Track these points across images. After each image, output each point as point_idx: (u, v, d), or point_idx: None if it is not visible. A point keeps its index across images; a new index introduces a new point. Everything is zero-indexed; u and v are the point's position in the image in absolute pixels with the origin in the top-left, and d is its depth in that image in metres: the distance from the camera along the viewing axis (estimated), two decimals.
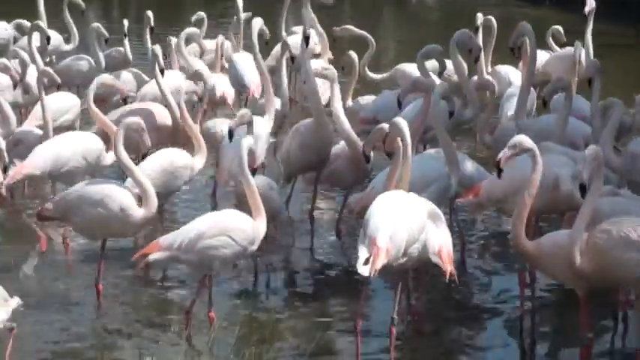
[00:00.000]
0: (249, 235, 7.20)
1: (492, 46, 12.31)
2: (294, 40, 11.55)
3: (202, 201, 10.29)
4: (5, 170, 8.53)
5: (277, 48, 12.05)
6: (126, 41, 13.32)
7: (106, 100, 11.39)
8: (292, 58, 10.44)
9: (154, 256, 7.14)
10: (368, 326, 7.45)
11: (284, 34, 13.18)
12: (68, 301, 8.06)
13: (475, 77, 11.17)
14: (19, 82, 10.71)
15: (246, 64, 11.73)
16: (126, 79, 11.72)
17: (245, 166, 7.37)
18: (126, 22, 13.27)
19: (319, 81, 9.41)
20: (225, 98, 11.91)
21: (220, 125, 9.95)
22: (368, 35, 12.50)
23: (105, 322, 7.70)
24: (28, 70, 11.03)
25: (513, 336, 7.70)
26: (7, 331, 6.55)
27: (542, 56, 12.33)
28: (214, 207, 9.87)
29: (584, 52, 12.22)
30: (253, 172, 7.70)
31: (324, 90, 10.06)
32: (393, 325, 6.82)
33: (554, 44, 13.11)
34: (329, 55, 13.03)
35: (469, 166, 8.72)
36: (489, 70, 12.00)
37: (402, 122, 7.35)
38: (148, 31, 13.04)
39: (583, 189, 6.53)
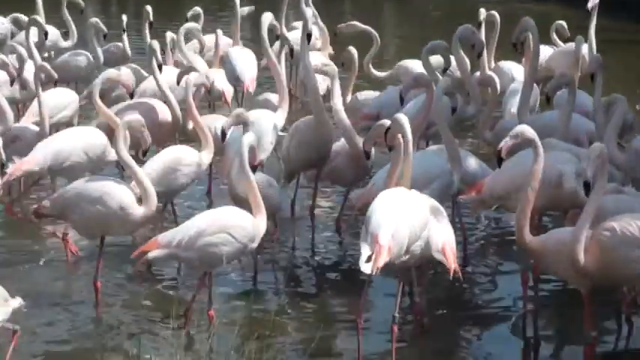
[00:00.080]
0: (249, 233, 7.20)
1: (495, 41, 12.30)
2: (295, 36, 11.54)
3: (197, 199, 10.27)
4: (3, 167, 8.52)
5: (277, 44, 12.05)
6: (124, 36, 13.33)
7: (105, 95, 11.38)
8: (291, 52, 10.44)
9: (153, 254, 7.14)
10: (369, 324, 7.44)
11: (284, 29, 13.17)
12: (67, 299, 8.07)
13: (477, 73, 11.17)
14: (16, 78, 10.71)
15: (241, 58, 11.78)
16: (124, 74, 11.72)
17: (246, 162, 7.37)
18: (124, 18, 13.28)
19: (318, 76, 9.41)
20: (224, 95, 11.92)
21: (213, 122, 9.96)
22: (372, 31, 12.48)
23: (103, 320, 7.71)
24: (26, 65, 11.03)
25: (516, 335, 7.70)
26: (10, 333, 6.54)
27: (546, 51, 12.33)
28: (209, 205, 9.86)
29: (586, 48, 12.22)
30: (254, 169, 7.68)
31: (321, 83, 10.07)
32: (395, 324, 6.82)
33: (557, 39, 13.11)
34: (330, 50, 13.03)
35: (472, 162, 8.72)
36: (492, 65, 11.99)
37: (402, 118, 7.34)
38: (146, 26, 13.04)
39: (587, 187, 6.54)
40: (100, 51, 12.63)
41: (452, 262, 7.05)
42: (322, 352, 7.21)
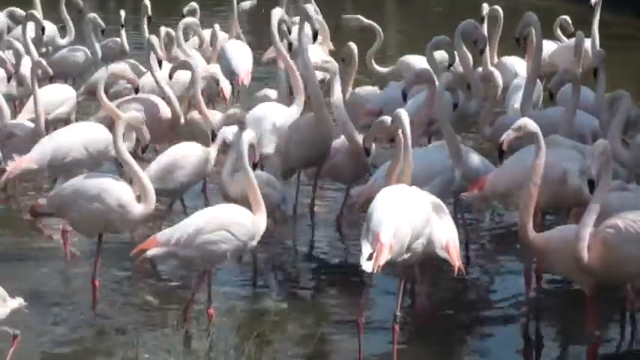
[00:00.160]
0: (249, 230, 7.20)
1: (498, 36, 12.29)
2: (295, 31, 11.56)
3: (192, 198, 10.22)
4: None
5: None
6: (122, 32, 13.33)
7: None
8: (290, 46, 10.45)
9: (151, 252, 7.13)
10: (370, 323, 7.44)
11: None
12: (65, 297, 8.06)
13: (480, 69, 11.16)
14: (13, 74, 10.72)
15: (236, 51, 11.84)
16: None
17: (245, 160, 7.37)
18: (123, 13, 13.27)
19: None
20: (222, 91, 11.94)
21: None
22: (376, 26, 12.46)
23: (102, 319, 7.70)
24: (23, 61, 11.03)
25: (519, 334, 7.69)
26: (10, 337, 6.54)
27: (549, 47, 12.32)
28: (205, 203, 9.85)
29: (589, 43, 12.21)
30: (254, 166, 7.68)
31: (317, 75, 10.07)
32: (396, 323, 6.81)
33: (561, 35, 13.10)
34: (330, 45, 13.02)
35: (474, 159, 8.71)
36: (495, 61, 11.98)
37: (402, 113, 7.35)
38: (145, 20, 13.04)
39: (591, 184, 6.53)
40: (97, 46, 12.62)
41: (456, 260, 7.06)
42: (322, 351, 7.22)
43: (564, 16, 13.17)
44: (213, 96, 12.13)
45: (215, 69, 11.64)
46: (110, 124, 9.11)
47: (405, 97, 8.80)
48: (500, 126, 9.66)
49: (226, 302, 7.90)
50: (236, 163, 8.14)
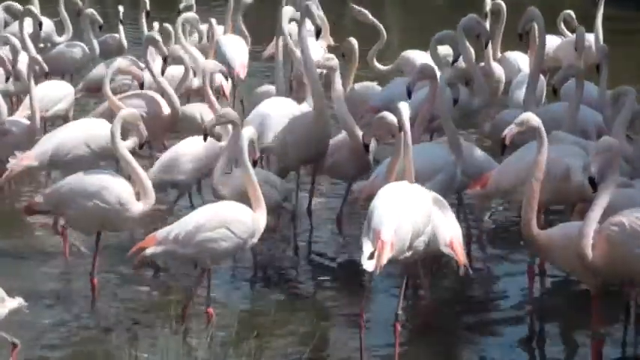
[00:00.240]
0: (249, 228, 7.19)
1: (501, 31, 12.29)
2: (294, 26, 11.58)
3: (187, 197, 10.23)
4: None
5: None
6: (120, 27, 13.33)
7: (101, 88, 11.37)
8: None
9: (150, 251, 7.13)
10: (372, 322, 7.43)
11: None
12: (63, 296, 8.06)
13: (482, 64, 11.16)
14: (11, 70, 10.72)
15: (231, 44, 11.88)
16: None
17: (245, 156, 7.37)
18: (121, 8, 13.26)
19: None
20: (222, 88, 11.96)
21: (199, 110, 9.97)
22: (381, 26, 12.43)
23: (100, 318, 7.71)
24: (19, 57, 11.03)
25: (522, 331, 7.69)
26: (9, 345, 6.53)
27: (553, 41, 12.31)
28: (192, 204, 9.82)
29: (592, 38, 12.20)
30: (254, 163, 7.69)
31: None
32: (398, 321, 6.81)
33: (565, 29, 13.09)
34: (329, 40, 13.01)
35: (477, 155, 8.72)
36: (498, 56, 11.98)
37: (403, 107, 7.35)
38: (143, 15, 13.04)
39: (592, 182, 6.53)
40: (95, 42, 12.62)
41: (461, 257, 7.06)
42: (323, 350, 7.21)
43: (568, 11, 13.16)
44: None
45: (211, 64, 11.68)
46: (111, 120, 9.13)
47: (409, 93, 8.72)
48: (499, 122, 9.67)
49: (226, 301, 7.90)
50: (229, 162, 8.16)
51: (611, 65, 9.43)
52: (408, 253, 6.66)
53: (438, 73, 9.04)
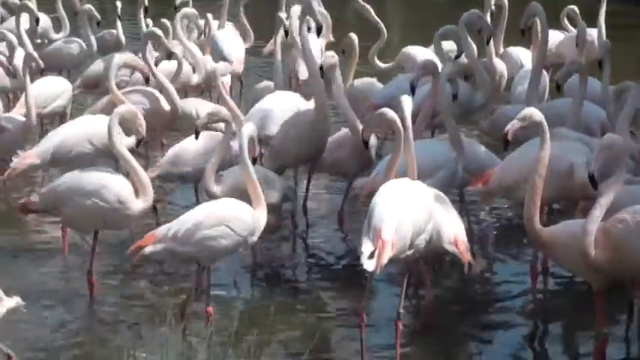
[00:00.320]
0: (249, 225, 7.19)
1: (504, 27, 12.30)
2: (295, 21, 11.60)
3: (183, 195, 10.21)
4: None
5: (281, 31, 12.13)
6: (118, 23, 13.33)
7: (100, 84, 11.40)
8: (286, 33, 10.48)
9: (149, 249, 7.12)
10: (373, 321, 7.43)
11: (283, 13, 13.19)
12: (62, 295, 8.05)
13: (484, 59, 11.16)
14: (9, 67, 10.73)
15: (226, 39, 11.92)
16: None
17: (245, 154, 7.37)
18: (119, 4, 13.27)
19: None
20: (223, 84, 11.96)
21: (195, 106, 9.98)
22: (381, 25, 12.42)
23: (98, 317, 7.72)
24: (16, 53, 11.04)
25: (525, 331, 7.68)
26: (4, 356, 6.52)
27: (556, 37, 12.32)
28: (197, 200, 9.84)
29: (595, 33, 12.20)
30: (254, 160, 7.69)
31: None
32: (399, 320, 6.80)
33: (568, 25, 13.10)
34: (330, 37, 13.01)
35: (480, 152, 8.72)
36: (501, 51, 11.98)
37: (405, 100, 7.35)
38: (142, 11, 13.05)
39: (593, 180, 6.53)
40: (93, 38, 12.62)
41: (466, 255, 7.06)
42: (323, 350, 7.21)
43: (572, 6, 13.16)
44: (209, 88, 12.18)
45: (222, 66, 11.69)
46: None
47: (413, 89, 8.67)
48: (497, 118, 9.68)
49: (225, 300, 7.91)
50: (222, 160, 8.14)
51: (613, 60, 9.43)
52: (409, 252, 6.65)
53: (440, 68, 9.05)
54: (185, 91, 11.44)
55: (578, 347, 7.47)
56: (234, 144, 8.14)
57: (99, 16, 12.92)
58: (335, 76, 9.16)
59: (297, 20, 9.98)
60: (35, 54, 10.31)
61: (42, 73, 10.45)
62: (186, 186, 9.60)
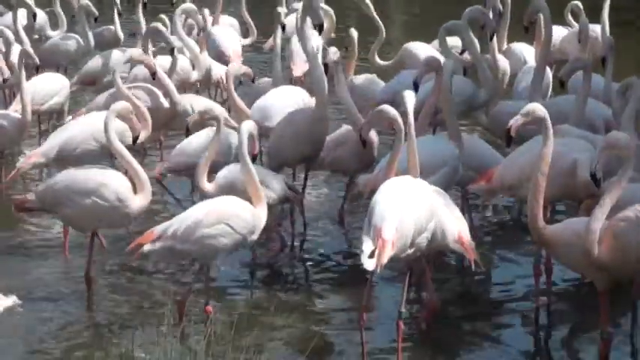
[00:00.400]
0: (249, 224, 7.19)
1: (507, 24, 12.29)
2: (294, 17, 11.64)
3: (182, 193, 10.24)
4: None
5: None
6: (117, 19, 13.34)
7: (97, 81, 11.42)
8: (283, 28, 10.48)
9: (148, 247, 7.12)
10: (374, 320, 7.44)
11: (282, 8, 13.21)
12: (59, 294, 8.04)
13: (488, 55, 11.16)
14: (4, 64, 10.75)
15: (222, 34, 11.95)
16: (117, 58, 11.72)
17: (245, 151, 7.38)
18: (117, 0, 13.29)
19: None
20: (221, 79, 12.00)
21: (190, 102, 10.00)
22: (380, 23, 12.43)
23: (96, 316, 7.72)
24: (13, 49, 11.05)
25: (528, 331, 7.69)
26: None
27: (559, 32, 12.31)
28: (193, 199, 9.84)
29: (598, 29, 12.20)
30: (254, 158, 7.70)
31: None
32: (401, 320, 6.78)
33: (572, 20, 13.10)
34: (331, 34, 13.01)
35: (482, 149, 8.72)
36: (503, 48, 11.98)
37: (408, 96, 7.34)
38: (140, 7, 13.07)
39: (594, 178, 6.53)
40: (90, 35, 12.62)
41: (471, 252, 7.07)
42: (324, 349, 7.21)
43: (575, 2, 13.15)
44: (208, 83, 12.20)
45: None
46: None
47: (416, 87, 8.61)
48: (497, 113, 9.69)
49: (225, 299, 7.91)
50: (217, 159, 8.14)
51: (617, 57, 9.43)
52: (410, 251, 6.64)
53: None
54: (184, 87, 11.45)
55: (583, 347, 7.46)
56: (235, 141, 8.15)
57: (96, 12, 12.93)
58: (339, 72, 9.17)
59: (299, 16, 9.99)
60: (31, 50, 10.31)
61: (37, 69, 10.45)
62: (185, 183, 9.61)
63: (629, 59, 13.16)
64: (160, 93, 9.75)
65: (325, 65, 9.03)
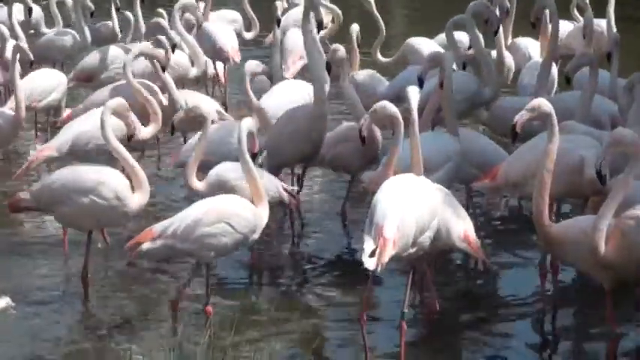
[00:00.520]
0: (250, 223, 7.19)
1: (512, 19, 12.30)
2: (297, 12, 11.65)
3: (176, 194, 10.20)
4: None
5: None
6: (114, 14, 13.35)
7: (95, 77, 11.43)
8: (278, 23, 10.49)
9: (147, 245, 7.11)
10: (377, 321, 7.45)
11: (279, 2, 13.23)
12: (55, 295, 8.03)
13: (494, 51, 11.16)
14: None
15: (219, 30, 11.97)
16: (114, 54, 11.73)
17: (245, 150, 7.38)
18: None
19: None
20: (217, 74, 12.05)
21: (184, 97, 10.03)
22: (380, 21, 12.43)
23: (93, 317, 7.71)
24: (8, 44, 11.06)
25: (534, 331, 7.68)
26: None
27: (566, 27, 12.31)
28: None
29: (603, 24, 12.21)
30: (254, 156, 7.70)
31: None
32: (404, 320, 6.76)
33: (578, 15, 13.11)
34: (334, 32, 13.02)
35: (485, 145, 8.73)
36: (509, 43, 11.99)
37: (412, 91, 7.35)
38: (138, 2, 13.08)
39: (599, 176, 6.53)
40: (87, 30, 12.62)
41: (478, 251, 7.08)
42: (324, 350, 7.21)
43: None
44: (205, 79, 12.22)
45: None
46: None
47: (421, 82, 8.57)
48: (497, 109, 9.70)
49: (224, 300, 7.89)
50: (204, 157, 8.14)
51: (623, 52, 9.44)
52: (413, 250, 6.62)
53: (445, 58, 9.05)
54: (183, 83, 11.47)
55: (588, 347, 7.44)
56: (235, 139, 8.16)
57: (92, 7, 12.93)
58: (345, 69, 9.19)
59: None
60: (25, 45, 10.31)
61: (31, 65, 10.46)
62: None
63: (634, 54, 13.14)
64: (157, 89, 9.75)
65: (328, 64, 9.04)
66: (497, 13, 10.42)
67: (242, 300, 7.99)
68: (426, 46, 11.62)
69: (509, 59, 11.14)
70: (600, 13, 12.26)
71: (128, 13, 12.79)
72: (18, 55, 9.87)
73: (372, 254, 6.36)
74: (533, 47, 11.78)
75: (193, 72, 11.48)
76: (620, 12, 13.09)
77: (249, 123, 7.55)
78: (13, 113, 9.68)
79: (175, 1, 11.78)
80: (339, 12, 12.27)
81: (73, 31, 12.67)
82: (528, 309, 7.93)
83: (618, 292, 6.77)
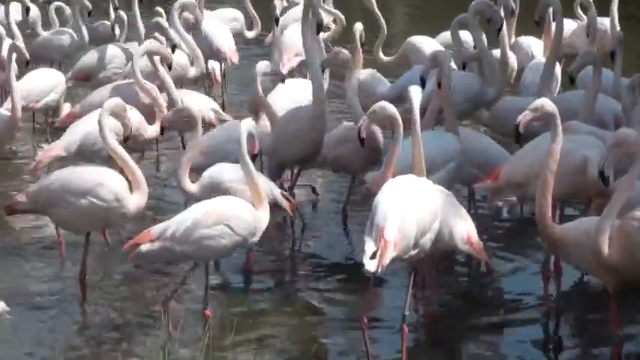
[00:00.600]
0: (249, 225, 7.17)
1: (515, 17, 12.29)
2: (297, 11, 11.66)
3: (175, 195, 10.22)
4: None
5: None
6: (112, 14, 13.35)
7: (93, 76, 11.44)
8: (276, 21, 10.49)
9: (146, 247, 7.09)
10: (378, 323, 7.45)
11: (281, 1, 13.25)
12: (52, 298, 8.04)
13: (497, 50, 11.15)
14: None
15: (216, 30, 11.97)
16: (112, 53, 11.74)
17: (245, 151, 7.38)
18: None
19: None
20: (214, 73, 12.06)
21: (180, 97, 10.04)
22: (382, 20, 12.44)
23: (91, 320, 7.72)
24: (4, 44, 11.07)
25: (537, 333, 7.67)
26: None
27: (569, 25, 12.31)
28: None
29: (607, 22, 12.22)
30: (254, 158, 7.70)
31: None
32: (405, 322, 6.76)
33: (582, 14, 13.11)
34: (337, 34, 13.03)
35: (488, 145, 8.73)
36: (512, 42, 11.99)
37: (414, 91, 7.34)
38: (136, 2, 13.07)
39: (602, 176, 6.54)
40: (84, 29, 12.63)
41: (481, 253, 7.07)
42: (324, 353, 7.22)
43: None
44: (202, 78, 12.22)
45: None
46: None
47: (423, 82, 8.55)
48: (498, 109, 9.69)
49: (223, 302, 7.89)
50: (197, 158, 8.14)
51: (626, 51, 9.44)
52: (414, 252, 6.62)
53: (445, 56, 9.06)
54: (181, 83, 11.48)
55: (592, 350, 7.43)
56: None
57: (90, 6, 12.94)
58: (350, 72, 9.21)
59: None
60: (22, 45, 10.32)
61: (27, 64, 10.45)
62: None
63: (637, 53, 13.15)
64: (156, 89, 9.76)
65: (321, 64, 9.08)
66: (502, 13, 10.41)
67: (242, 302, 8.00)
68: (428, 44, 11.62)
69: (512, 59, 11.14)
70: (604, 11, 12.26)
71: (122, 13, 12.78)
72: (14, 55, 9.87)
73: (373, 256, 6.35)
74: (536, 46, 11.78)
75: (192, 72, 11.48)
76: (624, 10, 13.08)
77: (249, 124, 7.54)
78: (9, 113, 9.67)
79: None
80: (342, 16, 12.30)
81: (71, 31, 12.67)
82: (532, 312, 7.94)
83: (622, 294, 6.76)
